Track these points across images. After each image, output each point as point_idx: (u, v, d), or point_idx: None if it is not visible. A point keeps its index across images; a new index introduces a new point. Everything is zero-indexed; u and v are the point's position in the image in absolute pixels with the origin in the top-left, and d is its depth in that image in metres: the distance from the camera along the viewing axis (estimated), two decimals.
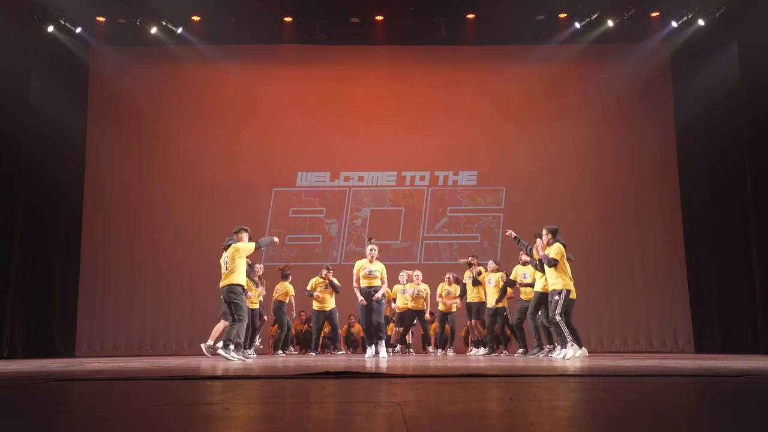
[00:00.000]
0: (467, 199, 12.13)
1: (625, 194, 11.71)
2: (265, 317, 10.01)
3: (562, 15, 11.46)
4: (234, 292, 7.28)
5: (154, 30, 11.37)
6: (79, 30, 11.34)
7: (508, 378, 4.09)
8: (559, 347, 7.85)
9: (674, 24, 11.35)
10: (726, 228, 10.79)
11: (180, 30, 11.45)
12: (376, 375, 4.22)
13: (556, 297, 7.52)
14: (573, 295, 7.61)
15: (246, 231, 7.67)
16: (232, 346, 7.21)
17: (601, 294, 11.33)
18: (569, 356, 7.32)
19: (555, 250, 7.62)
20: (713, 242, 10.97)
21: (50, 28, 11.11)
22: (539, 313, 8.42)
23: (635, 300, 11.35)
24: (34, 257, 10.72)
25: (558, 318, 7.45)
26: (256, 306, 9.51)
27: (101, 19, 11.29)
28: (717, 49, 10.93)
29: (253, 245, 7.48)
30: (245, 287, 7.51)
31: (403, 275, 10.33)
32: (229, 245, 7.43)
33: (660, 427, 1.99)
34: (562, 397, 2.85)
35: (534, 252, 8.10)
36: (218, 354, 7.66)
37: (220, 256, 7.59)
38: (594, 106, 12.10)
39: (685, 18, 11.18)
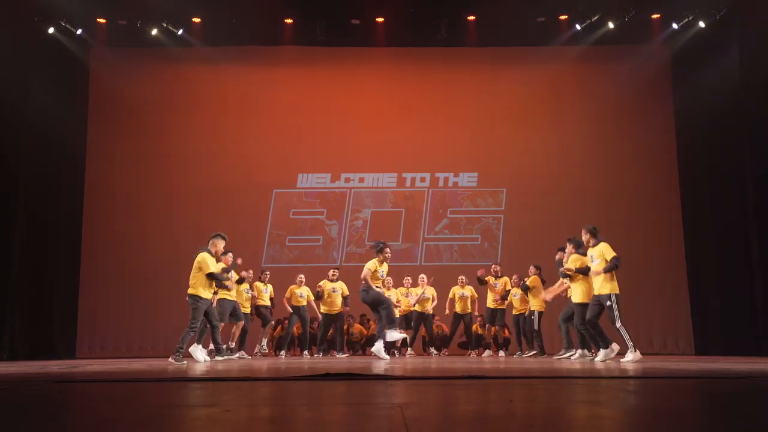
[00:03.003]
0: (468, 200, 12.13)
1: (625, 196, 11.70)
2: (272, 322, 9.99)
3: (563, 17, 11.47)
4: (194, 300, 7.11)
5: (154, 32, 11.38)
6: (79, 31, 11.35)
7: (508, 380, 4.09)
8: (599, 350, 7.56)
9: (675, 26, 11.35)
10: (726, 229, 10.78)
11: (180, 31, 11.46)
12: (377, 377, 4.22)
13: (609, 303, 6.95)
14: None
15: (223, 239, 7.37)
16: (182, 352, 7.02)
17: None
18: (629, 360, 6.91)
19: (608, 250, 6.94)
20: (714, 244, 10.96)
21: (51, 30, 11.11)
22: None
23: (636, 302, 11.29)
24: (35, 259, 10.72)
25: (618, 324, 6.94)
26: (248, 310, 9.49)
27: (102, 20, 11.30)
28: (717, 50, 10.93)
29: (212, 270, 7.15)
30: (201, 297, 7.14)
31: (408, 279, 10.40)
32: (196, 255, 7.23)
33: (661, 429, 1.99)
34: (562, 399, 2.85)
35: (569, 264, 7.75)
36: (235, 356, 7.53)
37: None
38: (594, 108, 12.10)
39: (686, 20, 11.18)
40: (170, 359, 7.06)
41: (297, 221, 12.06)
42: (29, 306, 10.50)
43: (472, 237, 12.00)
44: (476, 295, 10.42)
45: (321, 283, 9.93)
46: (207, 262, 7.17)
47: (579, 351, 8.36)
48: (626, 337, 6.99)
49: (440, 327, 10.92)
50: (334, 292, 9.85)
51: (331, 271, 9.98)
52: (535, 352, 9.52)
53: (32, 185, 10.79)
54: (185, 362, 6.92)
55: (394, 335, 7.61)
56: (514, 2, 11.05)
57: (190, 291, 7.14)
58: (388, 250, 7.91)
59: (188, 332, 7.07)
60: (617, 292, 6.99)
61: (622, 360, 7.05)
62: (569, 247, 7.85)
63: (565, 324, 8.39)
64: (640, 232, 11.48)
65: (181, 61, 11.98)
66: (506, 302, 10.05)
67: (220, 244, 7.37)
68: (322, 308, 9.86)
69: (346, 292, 9.92)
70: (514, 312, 10.00)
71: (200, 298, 7.11)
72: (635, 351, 7.00)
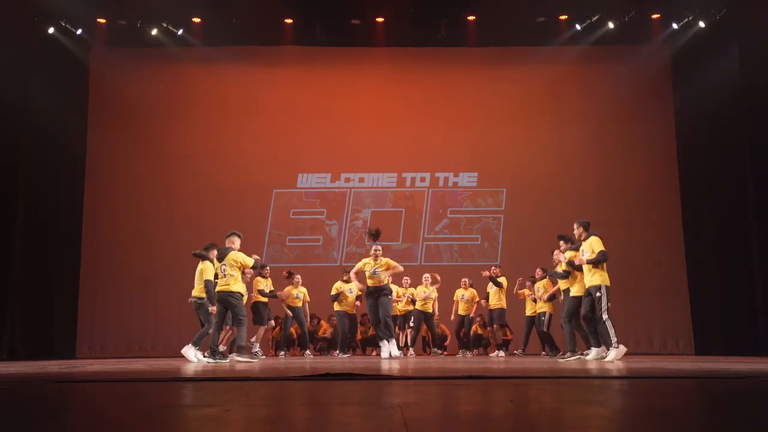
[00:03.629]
0: (468, 200, 12.13)
1: (625, 196, 11.69)
2: (272, 322, 10.01)
3: (563, 17, 11.47)
4: (235, 297, 7.32)
5: (154, 32, 11.39)
6: (79, 31, 11.35)
7: (508, 380, 4.09)
8: (594, 348, 7.42)
9: (675, 26, 11.36)
10: (726, 229, 10.78)
11: (180, 32, 11.46)
12: (377, 377, 4.21)
13: (598, 294, 6.96)
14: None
15: (238, 236, 7.52)
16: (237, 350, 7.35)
17: None
18: (612, 358, 6.86)
19: (597, 243, 7.04)
20: (714, 243, 10.96)
21: (51, 30, 11.11)
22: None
23: (636, 302, 11.31)
24: (35, 259, 10.72)
25: (605, 316, 6.91)
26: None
27: (102, 20, 11.30)
28: (718, 50, 10.93)
29: (251, 262, 7.37)
30: (241, 293, 7.52)
31: (407, 279, 10.42)
32: (225, 254, 7.30)
33: (660, 429, 1.99)
34: (562, 399, 2.85)
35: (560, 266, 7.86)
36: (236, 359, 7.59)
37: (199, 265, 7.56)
38: (594, 108, 12.10)
39: (686, 20, 11.18)
40: (235, 357, 7.35)
41: (297, 221, 12.07)
42: (29, 306, 10.50)
43: (472, 237, 12.00)
44: (477, 297, 10.44)
45: (337, 285, 9.99)
46: (246, 258, 7.32)
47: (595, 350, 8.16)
48: (611, 332, 6.95)
49: (440, 327, 10.93)
50: (350, 292, 9.95)
51: (345, 273, 10.07)
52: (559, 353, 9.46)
53: (32, 185, 10.78)
54: (254, 358, 7.17)
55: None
56: (514, 2, 11.06)
57: (227, 288, 7.21)
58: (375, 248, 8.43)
59: (238, 328, 7.29)
60: (608, 284, 7.04)
61: (606, 359, 7.02)
62: (562, 245, 7.88)
63: (569, 325, 8.23)
64: (640, 232, 11.48)
65: (181, 61, 11.98)
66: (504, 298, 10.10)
67: (237, 242, 7.50)
68: (337, 307, 9.94)
69: (359, 292, 9.96)
70: (527, 313, 9.95)
71: (241, 294, 7.36)
72: (618, 347, 6.94)
